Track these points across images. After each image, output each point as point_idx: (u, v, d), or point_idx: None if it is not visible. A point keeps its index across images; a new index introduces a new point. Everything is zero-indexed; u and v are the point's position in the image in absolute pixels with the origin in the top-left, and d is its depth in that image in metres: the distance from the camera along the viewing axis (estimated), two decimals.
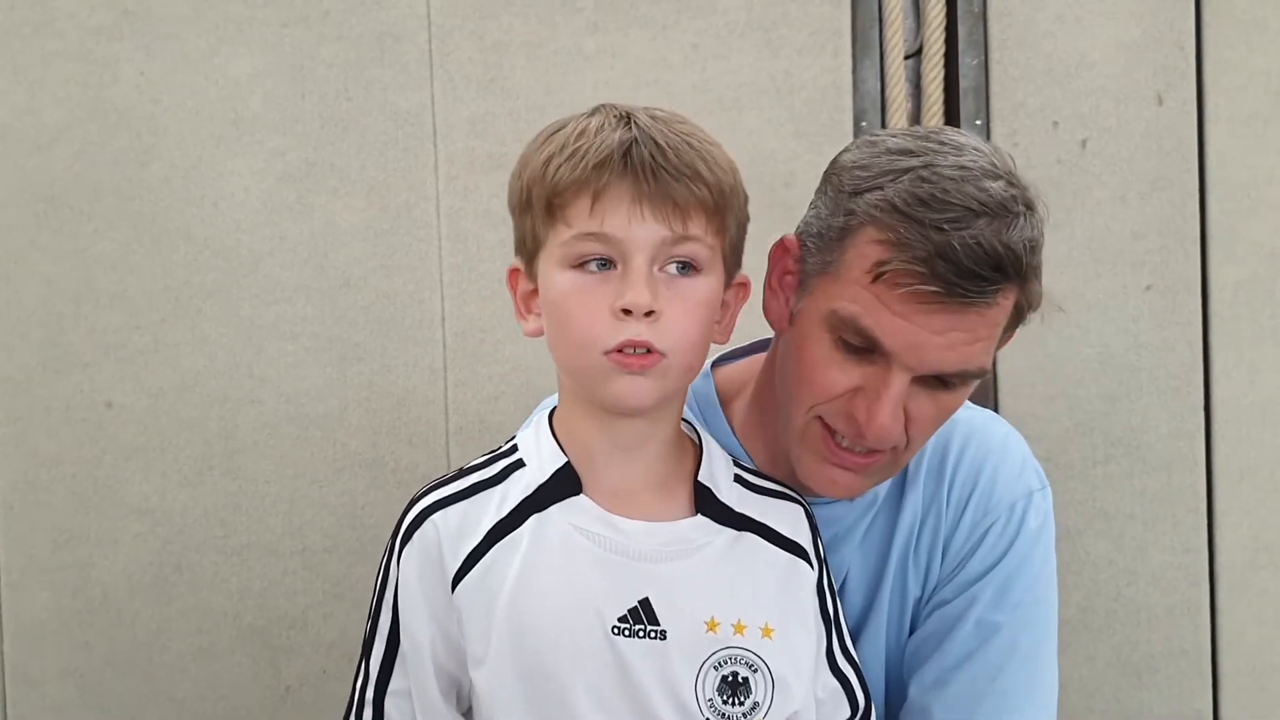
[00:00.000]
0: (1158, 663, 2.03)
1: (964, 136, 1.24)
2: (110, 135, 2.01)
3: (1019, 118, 2.00)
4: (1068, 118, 2.00)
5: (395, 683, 1.17)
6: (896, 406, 1.20)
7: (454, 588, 1.13)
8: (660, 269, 1.10)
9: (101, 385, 2.02)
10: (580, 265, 1.10)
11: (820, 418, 1.24)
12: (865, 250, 1.19)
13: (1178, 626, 2.03)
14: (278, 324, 2.02)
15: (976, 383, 1.25)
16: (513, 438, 1.23)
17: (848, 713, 1.22)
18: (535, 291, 1.16)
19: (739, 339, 1.44)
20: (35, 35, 2.01)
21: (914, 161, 1.19)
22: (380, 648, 1.18)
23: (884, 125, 2.02)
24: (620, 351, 1.09)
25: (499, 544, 1.14)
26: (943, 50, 2.02)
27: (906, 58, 2.03)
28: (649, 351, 1.09)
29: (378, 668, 1.17)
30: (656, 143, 1.09)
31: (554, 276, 1.12)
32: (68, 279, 2.02)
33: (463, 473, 1.20)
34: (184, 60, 2.00)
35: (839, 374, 1.22)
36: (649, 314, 1.08)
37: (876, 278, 1.18)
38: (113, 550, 2.04)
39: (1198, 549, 2.03)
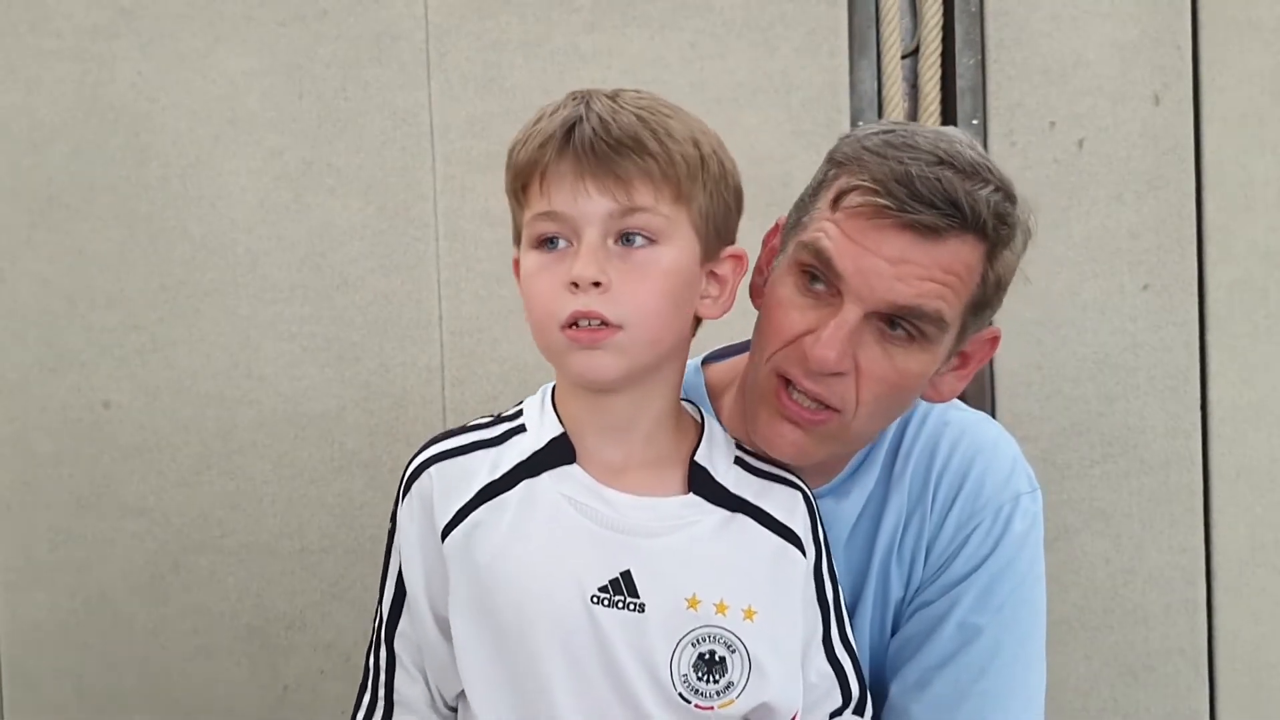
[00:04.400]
0: (1155, 661, 2.03)
1: (957, 132, 1.27)
2: (107, 134, 2.01)
3: (1016, 117, 2.00)
4: (1064, 117, 2.00)
5: (402, 624, 1.20)
6: (845, 338, 1.20)
7: (443, 539, 1.16)
8: (615, 241, 1.11)
9: (99, 385, 2.02)
10: (541, 245, 1.13)
11: (777, 372, 1.25)
12: (832, 191, 1.23)
13: (1175, 625, 2.03)
14: (275, 323, 2.02)
15: (939, 345, 1.23)
16: (520, 403, 1.24)
17: (839, 701, 1.22)
18: None
19: (732, 333, 1.44)
20: (31, 34, 2.01)
21: (895, 127, 1.25)
22: (390, 591, 1.21)
23: None
24: (574, 326, 1.10)
25: (488, 504, 1.16)
26: (939, 50, 2.02)
27: (903, 57, 2.03)
28: (603, 325, 1.10)
29: (388, 610, 1.21)
30: (601, 118, 1.11)
31: (525, 258, 1.15)
32: (64, 278, 2.02)
33: (467, 429, 1.22)
34: (181, 59, 2.00)
35: (797, 315, 1.23)
36: (597, 285, 1.09)
37: (836, 203, 1.21)
38: (110, 550, 2.03)
39: (1194, 548, 2.03)
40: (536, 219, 1.12)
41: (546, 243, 1.12)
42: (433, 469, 1.18)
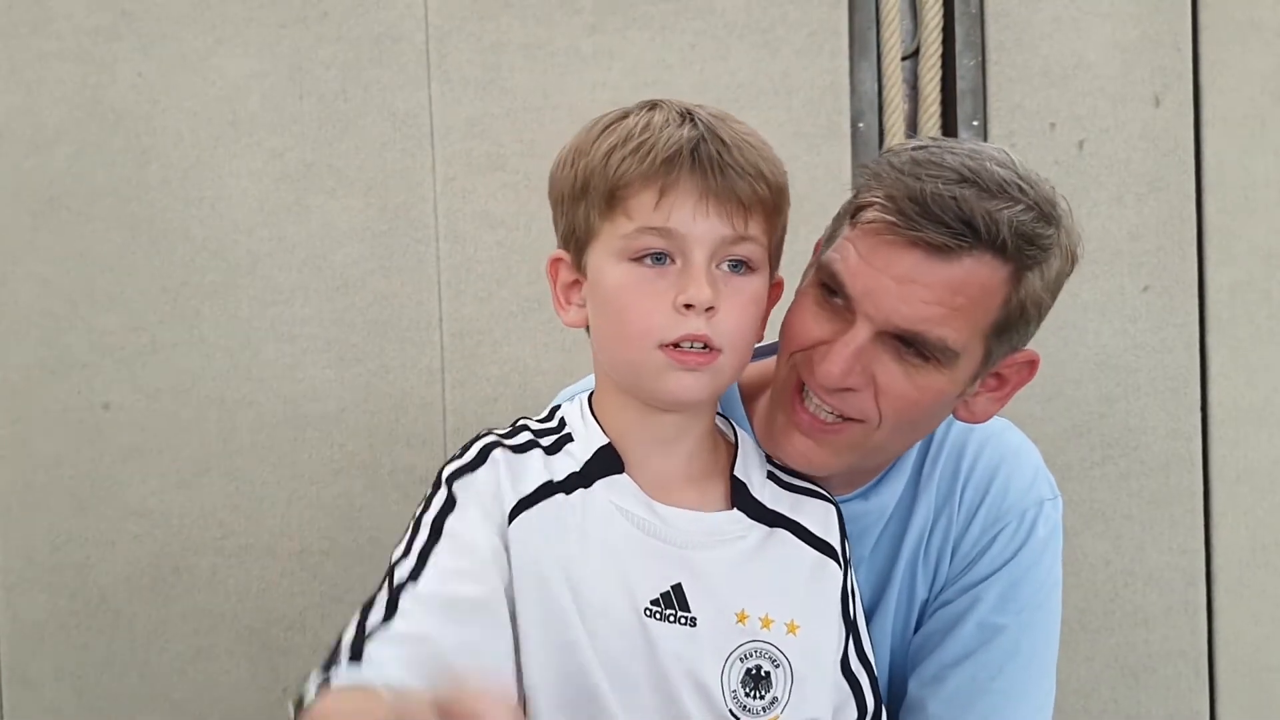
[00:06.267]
0: (1155, 663, 2.03)
1: (996, 150, 1.25)
2: (108, 136, 2.01)
3: (1016, 119, 2.00)
4: (1065, 119, 2.00)
5: (433, 585, 1.09)
6: (851, 356, 1.19)
7: (510, 520, 1.12)
8: (717, 266, 1.11)
9: (99, 386, 2.02)
10: (639, 258, 1.10)
11: (795, 368, 1.25)
12: (854, 207, 1.23)
13: (1175, 627, 2.03)
14: (275, 325, 2.02)
15: (955, 368, 1.22)
16: (555, 409, 1.23)
17: (854, 715, 1.22)
18: (577, 283, 1.16)
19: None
20: (33, 35, 2.01)
21: (930, 143, 1.23)
22: (411, 561, 1.10)
23: (881, 126, 2.03)
24: (677, 347, 1.09)
25: (548, 501, 1.13)
26: (940, 51, 2.02)
27: (904, 59, 2.03)
28: (705, 348, 1.10)
29: (408, 570, 1.09)
30: (722, 140, 1.10)
31: (609, 268, 1.12)
32: (65, 280, 2.02)
33: (520, 430, 1.20)
34: (182, 61, 2.00)
35: (813, 323, 1.23)
36: (709, 309, 1.09)
37: (855, 219, 1.21)
38: (110, 552, 2.03)
39: (1195, 550, 2.03)
40: (644, 233, 1.09)
41: (650, 258, 1.10)
42: (497, 453, 1.16)
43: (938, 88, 2.02)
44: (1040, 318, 1.26)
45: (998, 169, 1.18)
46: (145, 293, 2.02)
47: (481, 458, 1.15)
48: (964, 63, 2.01)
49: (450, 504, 1.13)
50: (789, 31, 2.00)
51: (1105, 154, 2.00)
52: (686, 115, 1.12)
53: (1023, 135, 2.00)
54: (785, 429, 1.25)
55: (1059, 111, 2.00)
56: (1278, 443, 2.03)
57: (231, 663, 2.04)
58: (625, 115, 1.14)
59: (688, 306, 1.08)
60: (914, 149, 1.22)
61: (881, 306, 1.18)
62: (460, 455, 1.17)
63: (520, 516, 1.12)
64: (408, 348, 2.02)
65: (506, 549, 1.11)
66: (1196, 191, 2.01)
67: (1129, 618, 2.03)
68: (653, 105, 1.15)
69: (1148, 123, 2.00)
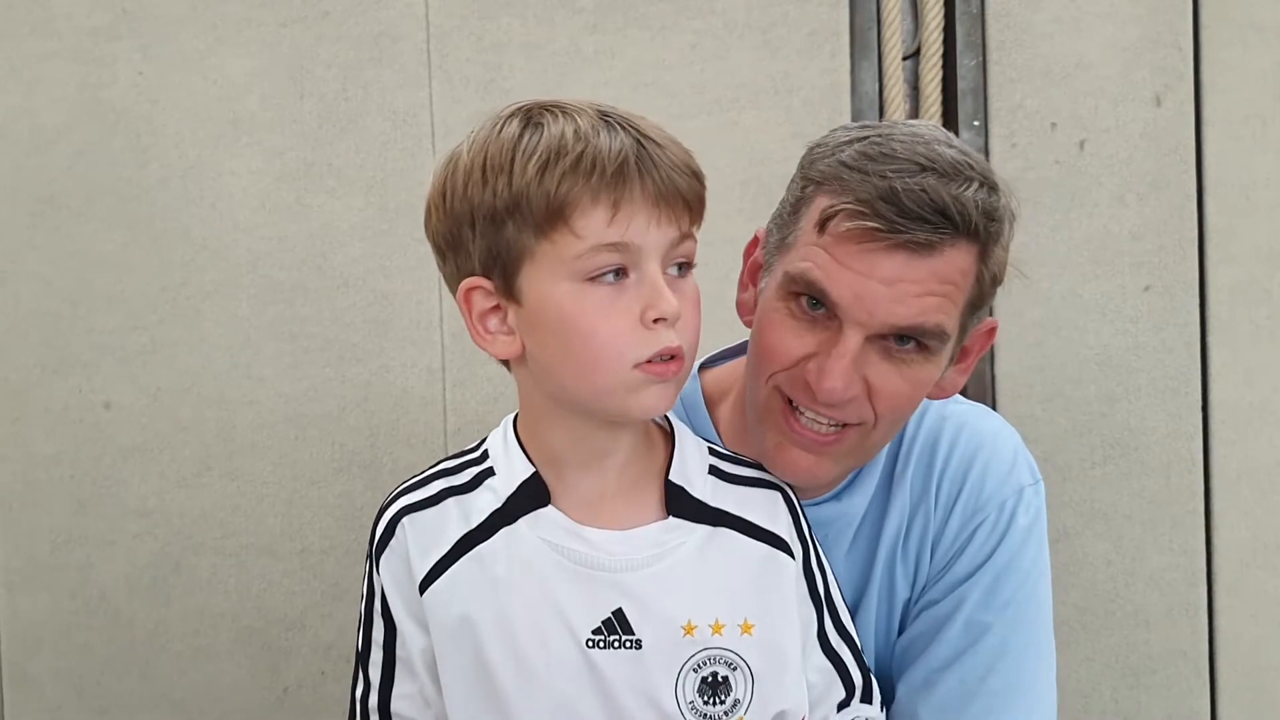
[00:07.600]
0: (1156, 664, 2.03)
1: (930, 128, 1.25)
2: (108, 135, 2.01)
3: (1017, 119, 2.00)
4: (1066, 119, 2.00)
5: (401, 687, 1.16)
6: (849, 366, 1.18)
7: (421, 592, 1.13)
8: (665, 270, 1.07)
9: (99, 386, 2.02)
10: (597, 278, 1.05)
11: (779, 389, 1.23)
12: (815, 212, 1.20)
13: (1176, 627, 2.03)
14: (276, 324, 2.02)
15: (944, 353, 1.22)
16: (483, 441, 1.21)
17: (842, 693, 1.21)
18: (498, 308, 1.11)
19: (729, 339, 1.44)
20: (33, 35, 2.01)
21: (868, 132, 1.22)
22: (379, 656, 1.17)
23: None
24: (650, 361, 1.06)
25: (467, 555, 1.12)
26: (941, 51, 2.02)
27: (904, 59, 2.03)
28: (673, 358, 1.07)
29: (379, 677, 1.17)
30: (655, 141, 1.07)
31: (558, 291, 1.06)
32: (65, 279, 2.02)
33: (434, 476, 1.18)
34: (182, 60, 2.00)
35: (794, 339, 1.21)
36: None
37: (823, 227, 1.18)
38: (111, 551, 2.03)
39: (1195, 550, 2.03)
40: (600, 251, 1.04)
41: (608, 275, 1.05)
42: (404, 521, 1.15)
43: (938, 88, 2.02)
44: (999, 285, 1.26)
45: (945, 149, 1.18)
46: (145, 292, 2.02)
47: (390, 530, 1.16)
48: (965, 63, 2.01)
49: (384, 601, 1.16)
50: (789, 31, 2.00)
51: (1106, 154, 2.00)
52: (606, 119, 1.07)
53: (1023, 135, 2.00)
54: (783, 446, 1.24)
55: (1060, 111, 2.00)
56: (1278, 443, 2.03)
57: (232, 662, 2.04)
58: (533, 125, 1.08)
59: (656, 321, 1.05)
60: (855, 141, 1.20)
61: (876, 311, 1.17)
62: (377, 521, 1.17)
63: (432, 587, 1.12)
64: (408, 347, 2.02)
65: (427, 617, 1.13)
66: (1197, 191, 2.01)
67: (1130, 618, 2.03)
68: (554, 109, 1.09)
69: (1149, 122, 2.00)
